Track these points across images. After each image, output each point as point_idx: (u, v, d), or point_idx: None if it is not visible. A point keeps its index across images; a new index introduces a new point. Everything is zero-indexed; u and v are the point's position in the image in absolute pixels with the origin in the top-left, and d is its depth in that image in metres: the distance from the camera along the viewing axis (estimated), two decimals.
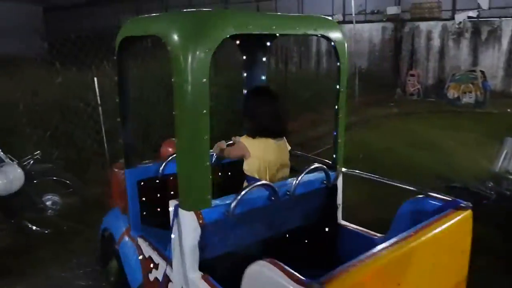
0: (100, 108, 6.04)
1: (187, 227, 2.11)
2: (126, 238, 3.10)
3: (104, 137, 6.10)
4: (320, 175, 2.68)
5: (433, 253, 2.02)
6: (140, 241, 2.89)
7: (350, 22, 15.00)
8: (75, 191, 4.71)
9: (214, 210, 2.14)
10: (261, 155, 2.58)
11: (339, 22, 17.66)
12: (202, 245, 2.13)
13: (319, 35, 2.51)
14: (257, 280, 1.69)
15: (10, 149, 5.11)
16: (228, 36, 1.98)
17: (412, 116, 11.36)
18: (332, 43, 2.51)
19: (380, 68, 16.04)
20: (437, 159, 6.81)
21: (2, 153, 4.08)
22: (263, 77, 3.30)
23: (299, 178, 2.45)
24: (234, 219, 2.20)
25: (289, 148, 2.85)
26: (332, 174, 2.70)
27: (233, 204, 2.16)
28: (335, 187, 2.78)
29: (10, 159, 4.15)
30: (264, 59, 3.28)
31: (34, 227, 4.48)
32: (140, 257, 2.89)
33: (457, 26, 14.44)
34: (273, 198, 2.36)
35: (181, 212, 2.12)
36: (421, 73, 15.06)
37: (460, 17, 14.33)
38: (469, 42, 14.29)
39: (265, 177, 2.57)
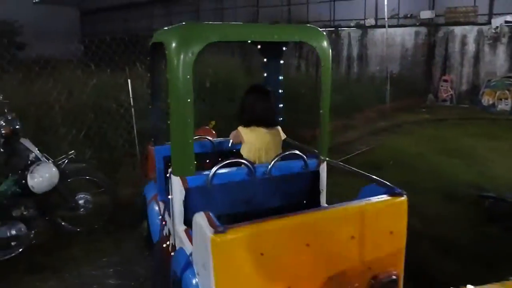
0: (132, 109, 6.16)
1: (176, 189, 2.68)
2: (153, 202, 3.74)
3: (136, 138, 6.22)
4: (302, 161, 3.03)
5: (354, 226, 2.32)
6: (161, 204, 3.51)
7: (383, 26, 14.82)
8: (107, 191, 4.79)
9: (196, 178, 2.68)
10: (253, 141, 3.11)
11: (371, 27, 17.51)
12: (186, 205, 2.67)
13: (298, 41, 2.97)
14: (195, 224, 2.24)
15: (46, 148, 5.26)
16: (209, 43, 2.51)
17: (445, 122, 11.11)
18: (315, 48, 2.90)
19: (412, 73, 15.75)
20: (470, 167, 6.65)
21: (38, 152, 4.19)
22: (280, 77, 3.66)
23: (274, 161, 2.84)
24: (213, 187, 2.72)
25: (284, 137, 3.34)
26: (312, 161, 3.04)
27: (210, 175, 2.69)
28: (317, 173, 3.09)
29: (46, 158, 4.26)
30: (281, 61, 3.66)
31: (66, 225, 4.59)
32: (160, 217, 3.42)
33: (493, 30, 14.05)
34: (250, 176, 2.79)
35: (172, 177, 2.68)
36: (454, 78, 14.71)
37: (497, 21, 13.93)
38: (506, 48, 13.86)
39: (256, 159, 3.05)
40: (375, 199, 2.44)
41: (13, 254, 3.98)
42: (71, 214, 4.60)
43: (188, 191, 2.66)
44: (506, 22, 13.77)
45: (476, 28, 14.52)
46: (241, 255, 2.08)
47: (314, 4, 20.24)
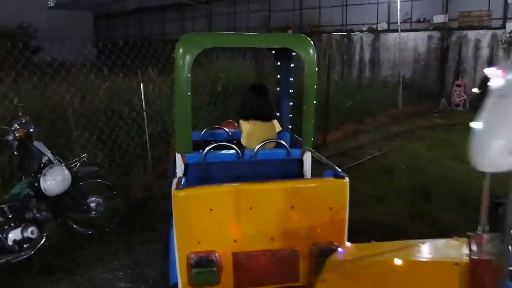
0: (144, 113, 6.19)
1: (178, 164, 3.20)
2: None
3: (148, 141, 6.24)
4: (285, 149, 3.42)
5: (293, 198, 2.76)
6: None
7: (396, 30, 14.75)
8: (118, 194, 4.82)
9: (194, 156, 3.21)
10: (250, 132, 3.60)
11: (384, 31, 17.43)
12: (186, 177, 3.07)
13: (282, 48, 3.46)
14: (171, 184, 2.78)
15: (59, 151, 5.31)
16: (206, 48, 3.09)
17: (458, 127, 10.97)
18: (301, 54, 3.24)
19: (425, 78, 15.65)
20: (483, 173, 6.55)
21: (51, 155, 4.23)
22: (291, 79, 3.95)
23: (257, 147, 3.26)
24: (207, 165, 3.24)
25: (279, 129, 3.80)
26: (296, 150, 3.36)
27: (203, 154, 3.19)
28: (301, 161, 3.40)
29: (59, 161, 4.29)
30: (291, 65, 3.93)
31: (78, 228, 4.62)
32: None
33: (508, 35, 13.89)
34: (238, 158, 3.26)
35: (176, 154, 3.20)
36: (467, 83, 14.57)
37: (511, 25, 13.78)
38: None
39: (252, 147, 3.39)
40: (316, 178, 2.97)
41: (25, 256, 4.00)
42: (83, 216, 4.63)
43: (187, 166, 3.22)
44: None
45: (490, 32, 14.38)
46: (194, 208, 2.65)
47: (327, 8, 20.21)
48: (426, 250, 1.98)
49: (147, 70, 7.24)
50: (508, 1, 14.14)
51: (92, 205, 4.58)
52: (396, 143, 8.99)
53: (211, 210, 2.66)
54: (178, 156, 3.21)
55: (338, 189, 2.82)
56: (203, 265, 2.66)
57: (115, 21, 35.22)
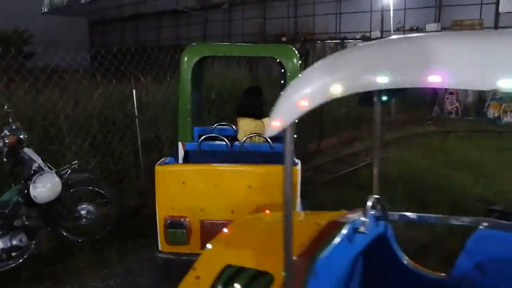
0: (136, 120, 6.16)
1: (180, 150, 3.96)
2: None
3: (140, 148, 6.21)
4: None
5: (250, 180, 3.44)
6: None
7: None
8: (110, 201, 4.77)
9: (192, 144, 3.96)
10: (242, 127, 4.16)
11: (377, 39, 17.50)
12: (185, 161, 3.91)
13: (268, 57, 4.27)
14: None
15: (51, 158, 5.26)
16: (205, 56, 3.97)
17: (450, 135, 11.04)
18: (286, 63, 3.77)
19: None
20: (477, 180, 6.57)
21: (42, 162, 4.18)
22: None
23: (244, 140, 3.91)
24: (202, 152, 3.91)
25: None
26: (278, 145, 3.77)
27: (198, 142, 3.92)
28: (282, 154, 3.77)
29: (49, 168, 4.25)
30: None
31: (69, 236, 4.57)
32: None
33: None
34: (228, 148, 3.89)
35: (179, 142, 3.97)
36: (460, 91, 14.65)
37: None
38: None
39: (247, 140, 3.96)
40: (272, 165, 3.42)
41: (13, 265, 3.94)
42: (74, 224, 4.59)
43: (186, 152, 3.96)
44: None
45: None
46: (170, 181, 3.42)
47: (321, 16, 20.32)
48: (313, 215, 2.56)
49: (141, 76, 7.21)
50: (499, 10, 14.28)
51: (83, 212, 4.54)
52: (390, 150, 9.00)
53: (183, 183, 3.42)
54: (179, 144, 3.97)
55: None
56: (175, 226, 3.38)
57: (111, 27, 35.16)
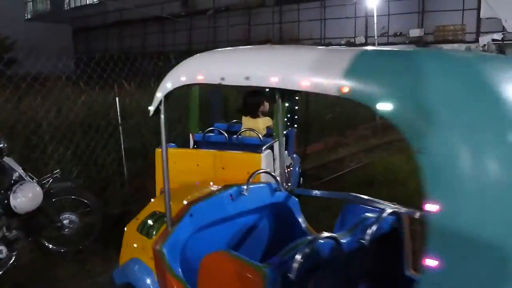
0: (120, 127, 6.08)
1: (191, 141, 5.14)
2: None
3: (124, 156, 6.13)
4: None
5: (222, 162, 4.31)
6: None
7: (373, 44, 14.95)
8: (93, 210, 4.70)
9: (198, 135, 5.12)
10: (243, 124, 5.13)
11: (361, 44, 17.65)
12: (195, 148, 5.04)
13: None
14: None
15: (33, 167, 5.16)
16: None
17: None
18: None
19: None
20: None
21: (22, 171, 4.10)
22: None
23: (238, 134, 4.89)
24: (207, 142, 4.97)
25: (266, 124, 5.10)
26: (269, 139, 4.65)
27: (203, 134, 5.05)
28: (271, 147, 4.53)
29: (30, 177, 4.17)
30: None
31: (51, 246, 4.48)
32: None
33: (481, 48, 14.23)
34: (226, 140, 4.85)
35: (190, 134, 5.19)
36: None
37: (484, 39, 14.14)
38: None
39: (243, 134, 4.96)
40: (243, 152, 4.33)
41: None
42: (56, 234, 4.50)
43: (195, 142, 5.15)
44: (493, 40, 13.98)
45: (464, 45, 14.71)
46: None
47: (306, 22, 20.44)
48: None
49: (125, 83, 7.14)
50: (481, 16, 14.51)
51: (66, 222, 4.46)
52: (376, 155, 9.04)
53: (174, 163, 3.99)
54: (190, 135, 5.18)
55: (254, 160, 4.17)
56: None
57: (95, 34, 34.95)
